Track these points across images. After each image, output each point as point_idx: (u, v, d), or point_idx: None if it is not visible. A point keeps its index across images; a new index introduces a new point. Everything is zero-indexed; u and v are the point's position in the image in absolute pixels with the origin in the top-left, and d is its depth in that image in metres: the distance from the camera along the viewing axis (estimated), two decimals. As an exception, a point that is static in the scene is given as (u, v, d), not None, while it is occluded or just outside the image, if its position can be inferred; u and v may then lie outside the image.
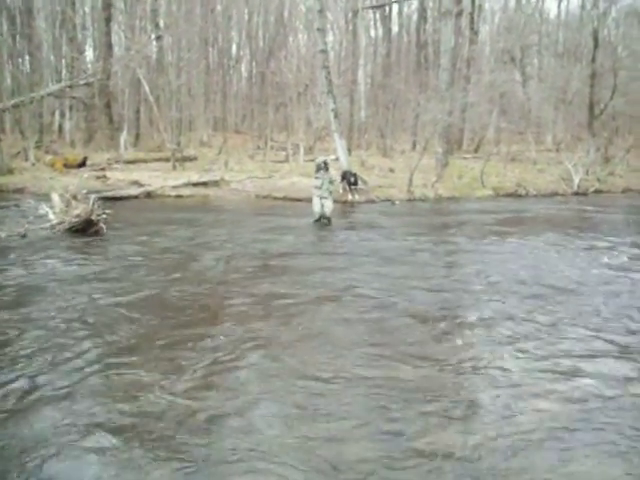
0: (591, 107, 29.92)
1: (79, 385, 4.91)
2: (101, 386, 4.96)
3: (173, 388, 4.89)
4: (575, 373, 5.40)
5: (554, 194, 21.78)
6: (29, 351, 5.57)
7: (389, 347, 5.93)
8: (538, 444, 4.14)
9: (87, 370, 5.21)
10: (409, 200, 19.09)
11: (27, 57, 33.00)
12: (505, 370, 5.43)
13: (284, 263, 9.69)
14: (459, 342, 6.17)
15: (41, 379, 4.99)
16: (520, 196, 21.11)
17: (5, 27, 31.29)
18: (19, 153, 24.05)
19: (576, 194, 21.86)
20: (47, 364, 5.30)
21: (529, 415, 4.59)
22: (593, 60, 30.10)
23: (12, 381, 4.94)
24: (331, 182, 14.41)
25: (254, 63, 40.27)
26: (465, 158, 29.74)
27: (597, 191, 22.48)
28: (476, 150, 33.47)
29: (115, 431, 4.20)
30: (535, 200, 20.31)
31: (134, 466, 3.80)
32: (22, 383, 4.91)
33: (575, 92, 31.83)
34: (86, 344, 5.82)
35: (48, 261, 9.43)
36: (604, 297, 7.90)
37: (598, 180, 23.42)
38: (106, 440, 4.07)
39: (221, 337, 6.07)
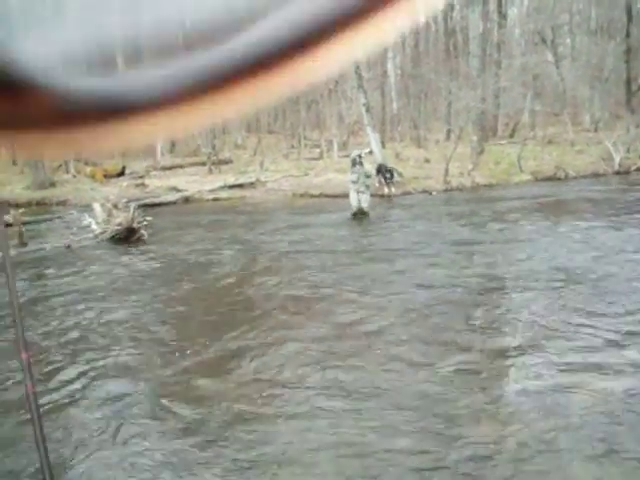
0: (628, 83, 29.29)
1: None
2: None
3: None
4: None
5: (595, 175, 21.31)
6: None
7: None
8: None
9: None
10: (446, 190, 18.92)
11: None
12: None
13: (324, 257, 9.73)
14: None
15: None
16: (559, 179, 20.72)
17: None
18: (60, 166, 24.54)
19: (617, 173, 21.35)
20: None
21: None
22: (627, 35, 29.46)
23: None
24: (367, 176, 14.43)
25: (283, 62, 40.32)
26: (501, 144, 29.34)
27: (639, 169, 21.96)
28: (511, 135, 32.98)
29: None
30: (575, 182, 19.90)
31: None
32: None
33: (611, 69, 31.19)
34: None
35: (101, 267, 9.65)
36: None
37: (640, 158, 22.88)
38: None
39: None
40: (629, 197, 15.81)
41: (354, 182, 14.30)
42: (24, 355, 2.25)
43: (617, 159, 21.94)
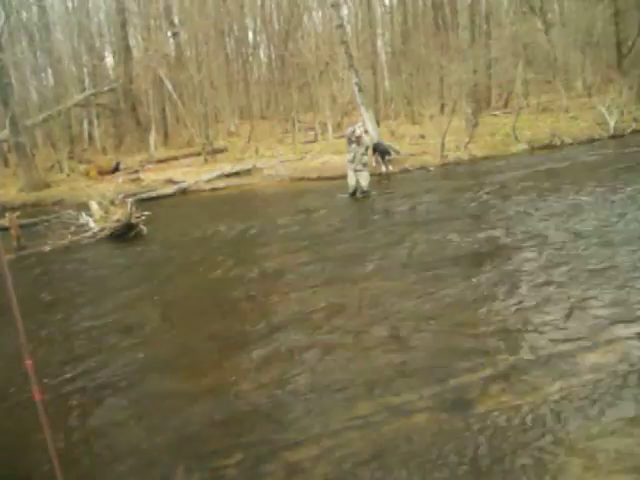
0: (618, 46, 29.05)
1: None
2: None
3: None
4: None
5: (591, 140, 21.23)
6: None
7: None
8: None
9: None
10: (443, 165, 18.85)
11: (49, 71, 33.41)
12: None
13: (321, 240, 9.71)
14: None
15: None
16: (556, 146, 20.63)
17: (25, 44, 31.62)
18: (53, 166, 24.43)
19: (613, 137, 21.27)
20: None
21: None
22: (615, -2, 29.18)
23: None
24: (364, 154, 14.18)
25: (272, 47, 40.01)
26: (495, 115, 29.21)
27: (635, 131, 21.77)
28: (505, 105, 32.80)
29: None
30: (572, 148, 19.83)
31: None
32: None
33: (600, 33, 30.91)
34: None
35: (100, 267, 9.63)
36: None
37: (634, 120, 22.71)
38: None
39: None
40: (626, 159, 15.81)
41: (350, 161, 14.12)
42: (28, 362, 2.22)
43: (612, 123, 21.85)
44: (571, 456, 3.54)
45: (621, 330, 5.16)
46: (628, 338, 4.99)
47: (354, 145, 14.04)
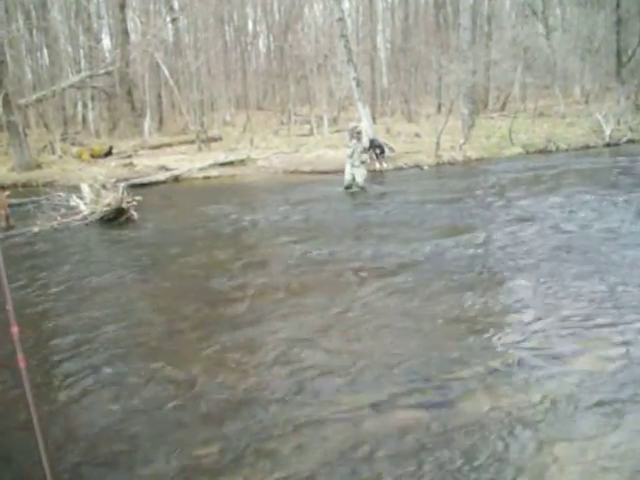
0: (618, 55, 29.00)
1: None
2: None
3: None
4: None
5: (585, 147, 21.30)
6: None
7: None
8: None
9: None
10: (437, 164, 18.83)
11: (45, 50, 33.12)
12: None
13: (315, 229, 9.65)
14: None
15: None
16: (550, 152, 20.67)
17: (21, 22, 31.29)
18: (45, 147, 24.19)
19: (608, 145, 21.34)
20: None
21: None
22: (618, 6, 29.07)
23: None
24: (363, 151, 14.34)
25: (271, 38, 39.87)
26: (492, 117, 29.25)
27: (630, 141, 21.83)
28: (502, 108, 32.88)
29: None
30: (566, 155, 19.87)
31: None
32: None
33: (601, 40, 30.94)
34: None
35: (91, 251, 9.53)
36: None
37: (630, 129, 22.76)
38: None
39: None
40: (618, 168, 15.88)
41: (349, 156, 14.28)
42: (14, 329, 2.22)
43: (607, 131, 21.90)
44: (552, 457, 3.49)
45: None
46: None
47: (354, 141, 14.29)
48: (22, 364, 2.26)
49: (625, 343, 5.03)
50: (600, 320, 5.53)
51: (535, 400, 4.18)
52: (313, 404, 4.30)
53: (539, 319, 5.64)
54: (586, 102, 30.21)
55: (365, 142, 14.70)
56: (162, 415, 4.28)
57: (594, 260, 7.43)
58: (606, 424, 3.85)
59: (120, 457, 3.79)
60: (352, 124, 15.04)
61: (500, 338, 5.30)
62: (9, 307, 2.20)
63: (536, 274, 6.99)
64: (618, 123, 23.04)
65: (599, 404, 4.09)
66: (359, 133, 14.34)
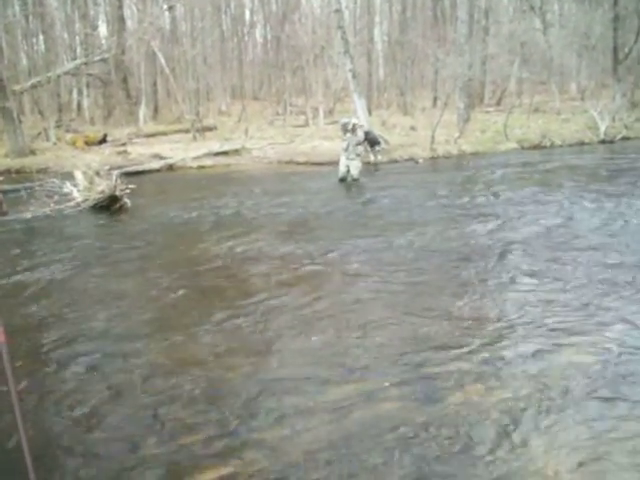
0: (615, 52, 29.00)
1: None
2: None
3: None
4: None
5: (580, 143, 21.33)
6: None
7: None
8: None
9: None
10: (432, 158, 18.84)
11: (41, 36, 32.92)
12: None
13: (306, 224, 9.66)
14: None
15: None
16: (545, 147, 20.71)
17: (17, 8, 31.10)
18: (40, 134, 24.11)
19: (603, 142, 21.37)
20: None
21: None
22: (615, 3, 29.06)
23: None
24: (358, 144, 14.36)
25: (268, 28, 39.82)
26: (487, 112, 29.28)
27: (624, 138, 21.86)
28: (498, 103, 32.89)
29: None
30: (561, 151, 19.91)
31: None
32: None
33: (598, 37, 30.92)
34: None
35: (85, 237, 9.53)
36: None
37: (625, 127, 22.82)
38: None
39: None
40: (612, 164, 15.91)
41: (344, 149, 14.34)
42: None
43: (602, 128, 21.94)
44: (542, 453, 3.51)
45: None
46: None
47: (349, 134, 14.36)
48: (1, 338, 2.28)
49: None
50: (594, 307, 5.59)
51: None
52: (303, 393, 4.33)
53: (533, 313, 5.69)
54: (582, 99, 30.21)
55: (360, 135, 14.72)
56: (139, 400, 4.31)
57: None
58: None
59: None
60: (343, 120, 15.08)
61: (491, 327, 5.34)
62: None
63: (518, 264, 7.05)
64: (613, 120, 23.08)
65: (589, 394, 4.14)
66: (354, 126, 14.38)
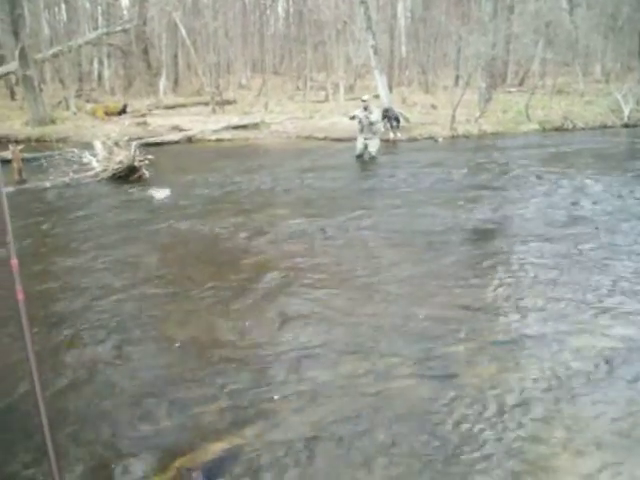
0: (642, 34, 28.58)
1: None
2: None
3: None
4: None
5: (603, 127, 21.02)
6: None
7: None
8: None
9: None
10: (452, 137, 18.69)
11: (63, 6, 32.92)
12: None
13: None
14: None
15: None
16: (567, 130, 20.44)
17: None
18: (60, 103, 24.22)
19: (626, 126, 21.04)
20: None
21: None
22: (645, -16, 28.61)
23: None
24: (371, 123, 14.15)
25: (291, 1, 39.46)
26: (509, 92, 28.91)
27: (649, 122, 21.55)
28: (521, 83, 32.48)
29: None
30: (583, 133, 19.66)
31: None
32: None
33: (625, 19, 30.39)
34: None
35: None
36: None
37: (650, 111, 22.46)
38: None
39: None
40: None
41: (360, 131, 14.24)
42: (14, 261, 2.32)
43: (626, 111, 21.61)
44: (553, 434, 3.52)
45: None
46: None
47: (362, 115, 14.06)
48: (20, 296, 2.35)
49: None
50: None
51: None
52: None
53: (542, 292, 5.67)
54: (606, 81, 29.75)
55: (376, 115, 14.53)
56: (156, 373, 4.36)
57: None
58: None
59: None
60: (365, 97, 14.92)
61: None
62: (9, 239, 2.30)
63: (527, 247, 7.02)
64: (638, 104, 22.71)
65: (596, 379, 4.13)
66: (366, 103, 14.20)
